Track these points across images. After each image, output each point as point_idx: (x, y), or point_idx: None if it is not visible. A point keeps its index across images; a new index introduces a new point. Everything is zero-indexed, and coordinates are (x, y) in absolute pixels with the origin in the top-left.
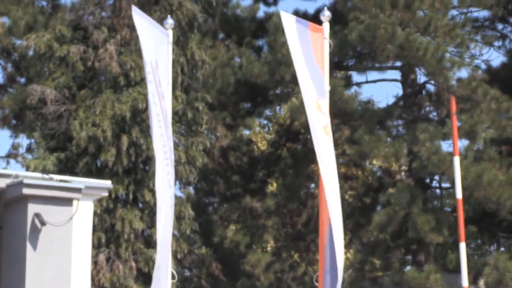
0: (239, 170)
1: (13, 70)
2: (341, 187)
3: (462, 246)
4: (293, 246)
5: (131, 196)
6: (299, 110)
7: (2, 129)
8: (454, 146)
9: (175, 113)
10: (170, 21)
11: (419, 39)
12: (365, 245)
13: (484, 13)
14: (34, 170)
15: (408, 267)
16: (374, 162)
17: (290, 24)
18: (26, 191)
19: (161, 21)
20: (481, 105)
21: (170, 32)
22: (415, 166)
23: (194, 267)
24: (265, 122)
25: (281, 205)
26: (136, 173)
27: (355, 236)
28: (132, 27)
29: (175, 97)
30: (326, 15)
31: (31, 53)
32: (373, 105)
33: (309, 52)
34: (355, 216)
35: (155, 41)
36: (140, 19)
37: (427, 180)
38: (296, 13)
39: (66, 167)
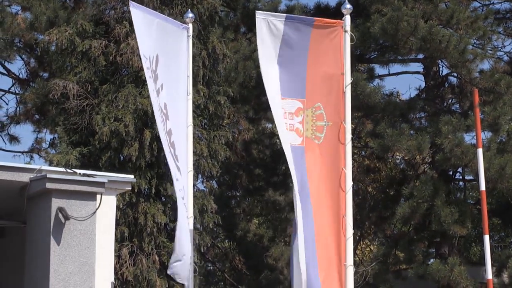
0: (262, 163)
1: (36, 65)
2: (363, 180)
3: (486, 238)
4: None
5: (153, 190)
6: None
7: (25, 124)
8: (477, 138)
9: (197, 106)
10: (190, 14)
11: (441, 31)
12: (389, 238)
13: (506, 5)
14: (57, 165)
15: (432, 260)
16: (397, 154)
17: (261, 23)
18: (49, 185)
19: (182, 15)
20: (504, 97)
21: (191, 26)
22: (438, 158)
23: (217, 260)
24: None
25: None
26: (159, 167)
27: (378, 229)
28: None
29: (196, 91)
30: (347, 8)
31: (53, 48)
32: (398, 96)
33: (290, 50)
34: (378, 209)
35: (160, 35)
36: (140, 14)
37: (450, 173)
38: (318, 6)
39: (89, 162)
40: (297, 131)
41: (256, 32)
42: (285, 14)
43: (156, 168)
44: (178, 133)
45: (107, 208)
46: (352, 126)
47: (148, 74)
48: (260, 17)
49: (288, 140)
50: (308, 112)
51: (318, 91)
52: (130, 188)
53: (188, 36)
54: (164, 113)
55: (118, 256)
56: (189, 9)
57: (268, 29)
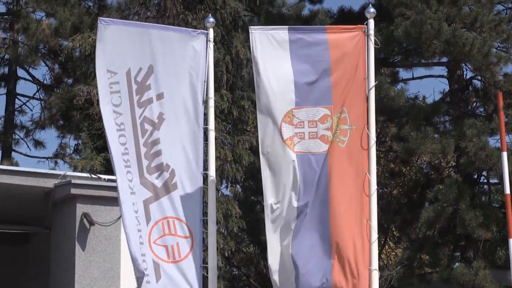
0: None
1: (60, 71)
2: (388, 184)
3: (511, 242)
4: None
5: None
6: None
7: (49, 129)
8: (502, 141)
9: (221, 111)
10: (211, 19)
11: (465, 34)
12: (413, 241)
13: None
14: (82, 170)
15: (457, 264)
16: (422, 158)
17: (262, 38)
18: (74, 191)
19: (204, 19)
20: None
21: (211, 31)
22: (462, 162)
23: (242, 265)
24: None
25: None
26: None
27: (403, 233)
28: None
29: (220, 96)
30: (370, 12)
31: (77, 54)
32: (424, 100)
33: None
34: (403, 213)
35: (157, 45)
36: (113, 28)
37: (475, 176)
38: (342, 10)
39: None
40: (322, 138)
41: (255, 50)
42: (286, 26)
43: None
44: (179, 140)
45: None
46: (376, 130)
47: (115, 88)
48: (256, 32)
49: (308, 148)
50: (335, 118)
51: (343, 95)
52: None
53: (207, 40)
54: (155, 123)
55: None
56: (209, 14)
57: (273, 43)
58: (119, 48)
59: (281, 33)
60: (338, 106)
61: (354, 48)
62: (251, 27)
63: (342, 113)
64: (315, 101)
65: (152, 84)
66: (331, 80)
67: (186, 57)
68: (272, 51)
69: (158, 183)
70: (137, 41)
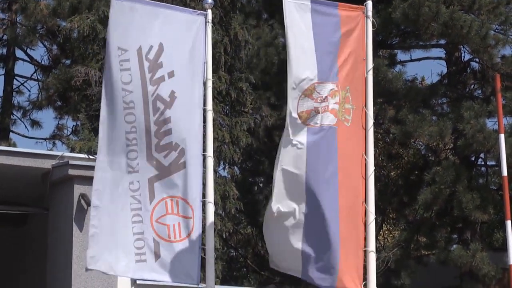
0: None
1: (58, 52)
2: (385, 166)
3: (508, 224)
4: None
5: None
6: None
7: (47, 109)
8: (499, 123)
9: (218, 93)
10: (209, 0)
11: (463, 16)
12: (411, 223)
13: None
14: (80, 152)
15: (454, 246)
16: (419, 140)
17: (291, 7)
18: (72, 172)
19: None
20: None
21: (210, 12)
22: (460, 144)
23: (240, 246)
24: None
25: None
26: None
27: (400, 214)
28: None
29: (218, 77)
30: None
31: (75, 34)
32: (423, 81)
33: (325, 33)
34: (400, 195)
35: (165, 24)
36: (125, 4)
37: (472, 158)
38: None
39: None
40: (332, 112)
41: (285, 17)
42: None
43: None
44: (190, 120)
45: None
46: (374, 112)
47: (125, 66)
48: (288, 0)
49: (322, 121)
50: (342, 94)
51: (347, 74)
52: None
53: (206, 22)
54: (167, 101)
55: None
56: None
57: (298, 13)
58: (129, 25)
59: (306, 3)
60: (344, 84)
61: (357, 28)
62: None
63: (347, 92)
64: (325, 76)
65: (164, 62)
66: (341, 56)
67: (190, 38)
68: (300, 21)
69: (166, 161)
70: (147, 19)
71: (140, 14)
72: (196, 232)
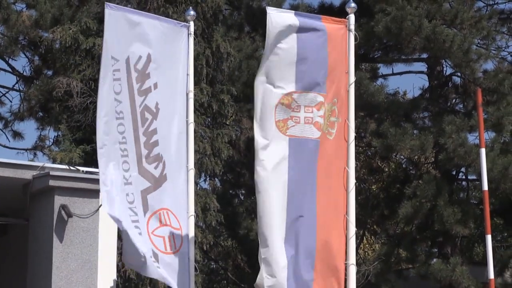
0: None
1: (40, 63)
2: (367, 179)
3: (488, 238)
4: None
5: None
6: None
7: (29, 120)
8: (480, 138)
9: (200, 105)
10: (192, 12)
11: (445, 31)
12: (391, 237)
13: (510, 5)
14: (61, 162)
15: (434, 260)
16: (401, 154)
17: (275, 17)
18: (52, 182)
19: (185, 12)
20: (508, 97)
21: (192, 24)
22: (441, 158)
23: (220, 259)
24: None
25: None
26: None
27: (381, 228)
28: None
29: (200, 89)
30: (351, 6)
31: (57, 45)
32: (405, 95)
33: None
34: (381, 208)
35: (154, 35)
36: (118, 15)
37: (453, 172)
38: (322, 5)
39: (92, 159)
40: (316, 125)
41: (268, 27)
42: (292, 10)
43: None
44: (169, 131)
45: None
46: (356, 126)
47: (116, 75)
48: (271, 12)
49: (302, 133)
50: (328, 107)
51: (334, 86)
52: None
53: (189, 34)
54: (153, 112)
55: (120, 254)
56: (190, 7)
57: (280, 23)
58: (121, 35)
59: (290, 16)
60: (332, 96)
61: (342, 40)
62: (268, 7)
63: (334, 104)
64: (312, 86)
65: (151, 72)
66: (328, 68)
67: (175, 49)
68: (282, 32)
69: (156, 173)
70: (136, 29)
71: (130, 23)
72: (185, 244)
